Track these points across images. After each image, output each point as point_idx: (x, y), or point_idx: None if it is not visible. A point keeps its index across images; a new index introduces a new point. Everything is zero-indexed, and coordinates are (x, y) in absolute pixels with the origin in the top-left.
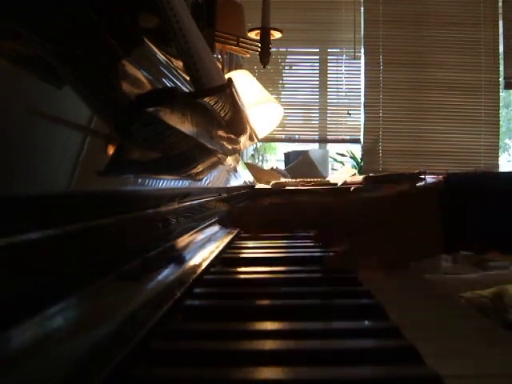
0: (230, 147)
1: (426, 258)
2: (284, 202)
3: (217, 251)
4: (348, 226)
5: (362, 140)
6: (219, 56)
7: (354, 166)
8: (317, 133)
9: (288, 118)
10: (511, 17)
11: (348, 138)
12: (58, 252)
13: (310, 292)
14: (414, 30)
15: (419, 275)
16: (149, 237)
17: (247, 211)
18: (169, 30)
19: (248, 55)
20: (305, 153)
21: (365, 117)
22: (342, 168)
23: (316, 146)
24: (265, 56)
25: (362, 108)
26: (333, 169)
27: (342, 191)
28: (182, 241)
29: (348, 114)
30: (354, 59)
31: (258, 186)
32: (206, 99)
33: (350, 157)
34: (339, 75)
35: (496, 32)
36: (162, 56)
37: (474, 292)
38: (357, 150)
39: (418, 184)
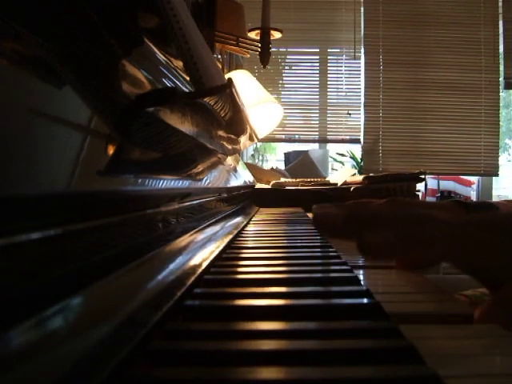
0: (230, 147)
1: None
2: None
3: (217, 251)
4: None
5: (362, 140)
6: (219, 56)
7: (353, 166)
8: (317, 133)
9: (288, 118)
10: (511, 17)
11: (348, 138)
12: (58, 252)
13: (311, 292)
14: (414, 29)
15: (419, 275)
16: (149, 237)
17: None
18: (169, 30)
19: (248, 55)
20: (305, 153)
21: (365, 117)
22: (341, 168)
23: (316, 146)
24: (265, 56)
25: (362, 108)
26: (333, 169)
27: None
28: (183, 240)
29: (348, 114)
30: (354, 59)
31: (258, 185)
32: (206, 99)
33: (350, 157)
34: (339, 75)
35: (496, 32)
36: (162, 56)
37: (476, 290)
38: (357, 150)
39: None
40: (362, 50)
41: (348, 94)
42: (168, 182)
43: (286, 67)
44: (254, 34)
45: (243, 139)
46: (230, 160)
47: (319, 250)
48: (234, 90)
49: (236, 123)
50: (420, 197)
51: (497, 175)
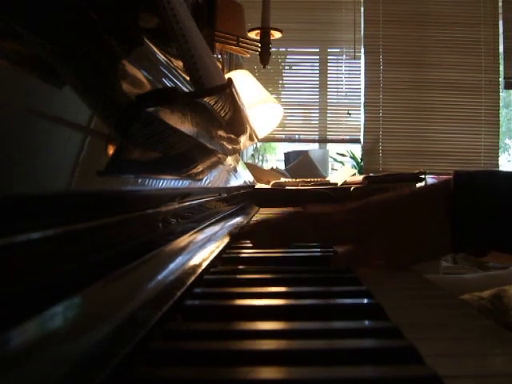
0: (230, 147)
1: (430, 260)
2: (294, 215)
3: (217, 251)
4: (359, 230)
5: (362, 140)
6: (219, 56)
7: (354, 166)
8: (317, 133)
9: (288, 118)
10: (511, 17)
11: (348, 138)
12: (58, 252)
13: (311, 292)
14: (414, 29)
15: (419, 275)
16: (149, 237)
17: (259, 226)
18: (169, 30)
19: (248, 55)
20: (305, 153)
21: (365, 117)
22: (341, 168)
23: (316, 146)
24: (265, 56)
25: (362, 108)
26: (333, 169)
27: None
28: (182, 240)
29: (348, 114)
30: (354, 59)
31: (258, 185)
32: (206, 99)
33: (350, 157)
34: (339, 75)
35: (496, 32)
36: (162, 56)
37: (473, 294)
38: (357, 150)
39: (423, 184)
40: (362, 50)
41: (348, 94)
42: (168, 182)
43: (286, 67)
44: (254, 34)
45: (243, 139)
46: (229, 160)
47: (319, 249)
48: (234, 89)
49: (236, 123)
50: None
51: None
